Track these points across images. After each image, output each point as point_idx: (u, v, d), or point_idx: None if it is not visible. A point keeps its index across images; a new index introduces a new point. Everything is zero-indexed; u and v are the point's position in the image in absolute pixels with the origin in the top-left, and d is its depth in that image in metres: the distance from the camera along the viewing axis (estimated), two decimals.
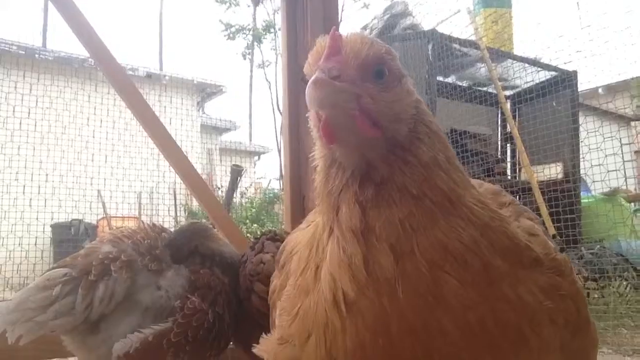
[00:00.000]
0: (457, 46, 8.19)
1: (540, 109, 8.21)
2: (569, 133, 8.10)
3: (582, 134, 7.37)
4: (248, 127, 29.42)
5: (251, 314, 2.43)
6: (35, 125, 12.48)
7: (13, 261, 10.54)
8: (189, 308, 2.24)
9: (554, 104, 8.31)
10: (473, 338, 1.03)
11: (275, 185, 20.18)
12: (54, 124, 12.70)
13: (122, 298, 2.18)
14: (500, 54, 8.68)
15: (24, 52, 14.58)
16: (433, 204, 1.07)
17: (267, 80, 26.52)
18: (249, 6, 27.28)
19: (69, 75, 13.66)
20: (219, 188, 15.10)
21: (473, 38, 8.35)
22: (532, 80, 8.58)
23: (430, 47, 7.75)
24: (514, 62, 8.75)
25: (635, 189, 9.23)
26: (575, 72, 8.41)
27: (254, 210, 15.26)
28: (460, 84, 8.99)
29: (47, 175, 12.12)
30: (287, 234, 2.70)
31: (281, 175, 19.03)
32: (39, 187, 11.91)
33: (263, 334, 1.40)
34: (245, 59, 28.29)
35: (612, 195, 7.65)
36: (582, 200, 8.08)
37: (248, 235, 10.97)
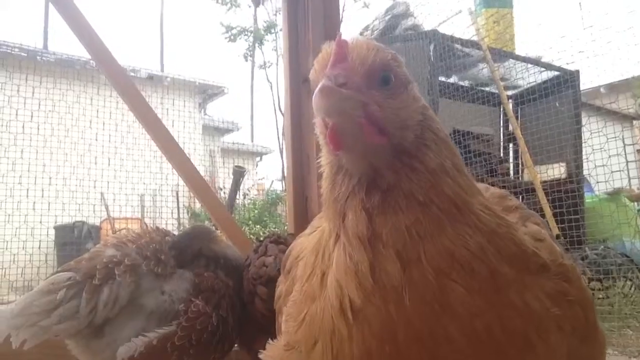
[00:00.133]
0: (459, 46, 8.18)
1: (543, 109, 8.19)
2: (572, 133, 8.08)
3: (586, 135, 7.35)
4: (250, 127, 29.42)
5: (255, 317, 2.43)
6: (38, 129, 12.47)
7: (17, 265, 10.54)
8: (193, 311, 2.24)
9: (557, 104, 8.29)
10: (480, 345, 1.03)
11: (278, 186, 20.20)
12: (57, 127, 12.70)
13: (126, 302, 2.18)
14: (502, 54, 8.66)
15: (26, 55, 14.58)
16: (440, 210, 1.06)
17: (268, 81, 26.50)
18: (249, 6, 27.27)
19: (71, 78, 13.66)
20: (221, 189, 15.11)
21: (475, 38, 8.34)
22: (535, 81, 8.56)
23: (432, 47, 7.74)
24: (516, 62, 8.74)
25: (638, 188, 9.21)
26: (577, 72, 8.39)
27: (256, 211, 15.26)
28: (463, 84, 8.98)
29: (50, 178, 12.12)
30: (290, 236, 2.71)
31: (283, 176, 19.04)
32: (42, 190, 11.91)
33: (269, 339, 1.41)
34: (246, 60, 28.28)
35: (615, 194, 7.62)
36: (585, 201, 8.06)
37: (251, 236, 10.99)
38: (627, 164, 6.52)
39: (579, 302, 1.17)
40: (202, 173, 4.61)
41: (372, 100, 1.07)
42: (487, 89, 9.02)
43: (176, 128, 13.80)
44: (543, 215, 6.82)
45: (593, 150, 6.62)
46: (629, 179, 6.58)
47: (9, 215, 11.24)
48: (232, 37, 26.91)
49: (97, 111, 13.22)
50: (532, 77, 8.62)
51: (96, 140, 13.48)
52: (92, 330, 2.12)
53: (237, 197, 12.66)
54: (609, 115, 8.55)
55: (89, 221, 12.59)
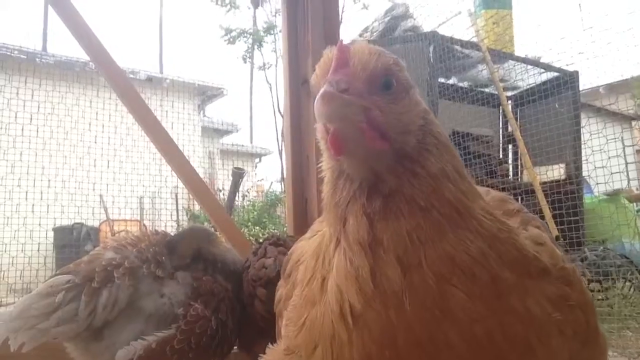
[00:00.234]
0: (458, 48, 8.18)
1: (543, 110, 8.20)
2: (571, 135, 8.08)
3: (585, 136, 7.35)
4: (249, 129, 29.42)
5: (254, 319, 2.42)
6: (38, 131, 12.47)
7: (16, 267, 10.55)
8: (192, 315, 2.23)
9: (557, 105, 8.30)
10: (480, 351, 1.02)
11: (277, 188, 20.19)
12: (56, 129, 12.71)
13: (125, 305, 2.17)
14: (502, 56, 8.67)
15: (25, 57, 14.58)
16: (441, 215, 1.06)
17: (267, 82, 26.52)
18: (249, 8, 27.29)
19: (70, 80, 13.66)
20: (220, 191, 15.11)
21: (474, 40, 8.34)
22: (534, 82, 8.57)
23: (431, 49, 7.74)
24: (516, 63, 8.74)
25: (637, 188, 9.22)
26: (576, 73, 8.39)
27: (255, 212, 15.27)
28: (462, 85, 8.98)
29: (49, 181, 12.12)
30: (290, 238, 2.70)
31: (282, 177, 19.04)
32: (42, 192, 11.92)
33: (269, 343, 1.40)
34: (245, 62, 28.29)
35: (614, 195, 7.63)
36: (585, 202, 8.05)
37: (250, 238, 10.98)
38: (626, 165, 6.52)
39: (580, 305, 1.16)
40: (201, 174, 4.61)
41: (374, 106, 1.07)
42: (486, 90, 9.03)
43: (175, 130, 13.80)
44: (542, 217, 6.83)
45: (593, 151, 6.63)
46: (628, 180, 6.59)
47: (7, 217, 11.25)
48: (231, 40, 26.93)
49: (97, 113, 13.23)
50: (532, 78, 8.62)
51: (95, 142, 13.48)
52: (91, 333, 2.11)
53: (237, 198, 12.66)
54: (609, 116, 8.56)
55: (87, 223, 12.59)
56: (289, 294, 1.41)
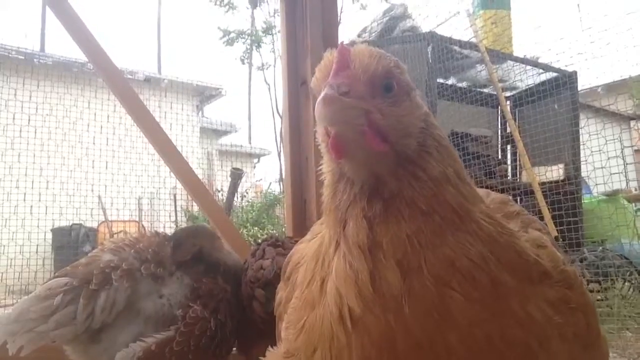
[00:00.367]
0: (457, 48, 8.19)
1: (542, 110, 8.21)
2: (570, 135, 8.09)
3: (584, 136, 7.36)
4: (247, 129, 29.43)
5: (254, 321, 2.42)
6: (36, 132, 12.47)
7: (14, 269, 10.55)
8: (191, 317, 2.23)
9: (556, 106, 8.30)
10: (480, 355, 1.02)
11: (275, 188, 20.19)
12: (54, 130, 12.70)
13: (123, 307, 2.16)
14: (500, 56, 8.67)
15: (23, 57, 14.57)
16: (442, 219, 1.06)
17: (266, 82, 26.57)
18: (247, 8, 27.30)
19: (68, 81, 13.66)
20: (219, 191, 15.09)
21: (473, 40, 8.34)
22: (533, 82, 8.57)
23: (429, 49, 7.75)
24: (515, 63, 8.74)
25: (635, 189, 9.23)
26: (575, 73, 8.40)
27: (254, 213, 15.24)
28: (461, 86, 8.99)
29: (47, 182, 12.11)
30: (288, 239, 2.69)
31: (281, 178, 19.04)
32: (40, 194, 11.91)
33: (269, 346, 1.40)
34: (244, 63, 28.31)
35: (613, 195, 7.63)
36: (584, 202, 8.06)
37: (249, 239, 10.97)
38: (625, 166, 6.52)
39: (581, 308, 1.16)
40: (199, 175, 4.61)
41: (375, 109, 1.07)
42: (485, 90, 9.03)
43: (174, 130, 13.80)
44: (541, 218, 6.83)
45: (592, 152, 6.63)
46: (627, 180, 6.59)
47: (5, 219, 11.25)
48: (229, 41, 26.94)
49: (95, 114, 13.22)
50: (530, 78, 8.63)
51: (94, 143, 13.48)
52: (90, 336, 2.11)
53: (235, 199, 12.64)
54: (608, 117, 8.56)
55: (86, 224, 12.57)
56: (289, 297, 1.41)
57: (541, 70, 8.64)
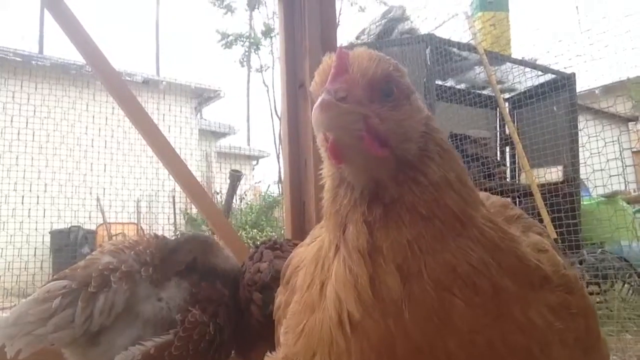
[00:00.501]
0: (455, 50, 8.18)
1: (540, 112, 8.20)
2: (569, 137, 8.08)
3: (583, 138, 7.35)
4: (246, 131, 29.45)
5: (252, 324, 2.41)
6: (34, 135, 12.47)
7: (12, 271, 10.53)
8: (190, 321, 2.22)
9: (554, 108, 8.30)
10: None
11: (274, 190, 20.19)
12: (53, 133, 12.70)
13: (121, 310, 2.15)
14: (499, 58, 8.67)
15: (21, 60, 14.57)
16: (443, 224, 1.05)
17: (264, 84, 26.60)
18: (246, 10, 27.34)
19: (66, 84, 13.65)
20: (217, 193, 15.09)
21: (471, 42, 8.35)
22: (531, 84, 8.57)
23: (428, 51, 7.74)
24: (513, 65, 8.74)
25: (634, 190, 9.23)
26: (573, 75, 8.40)
27: (253, 215, 15.24)
28: (459, 87, 8.99)
29: (45, 185, 12.10)
30: (287, 241, 2.69)
31: (280, 179, 19.03)
32: (38, 196, 11.89)
33: (268, 351, 1.39)
34: (242, 66, 28.33)
35: (612, 197, 7.63)
36: (583, 204, 8.05)
37: (248, 241, 10.95)
38: (624, 168, 6.52)
39: (581, 312, 1.16)
40: (198, 177, 4.60)
41: (374, 113, 1.06)
42: (483, 92, 9.03)
43: (172, 133, 13.80)
44: (540, 220, 6.82)
45: (591, 154, 6.63)
46: (626, 182, 6.58)
47: (4, 222, 11.23)
48: (227, 44, 26.97)
49: (93, 117, 13.22)
50: (529, 80, 8.62)
51: (92, 146, 13.48)
52: (88, 339, 2.10)
53: (234, 201, 12.63)
54: (606, 119, 8.57)
55: (84, 227, 12.56)
56: (288, 301, 1.40)
57: (540, 72, 8.64)
